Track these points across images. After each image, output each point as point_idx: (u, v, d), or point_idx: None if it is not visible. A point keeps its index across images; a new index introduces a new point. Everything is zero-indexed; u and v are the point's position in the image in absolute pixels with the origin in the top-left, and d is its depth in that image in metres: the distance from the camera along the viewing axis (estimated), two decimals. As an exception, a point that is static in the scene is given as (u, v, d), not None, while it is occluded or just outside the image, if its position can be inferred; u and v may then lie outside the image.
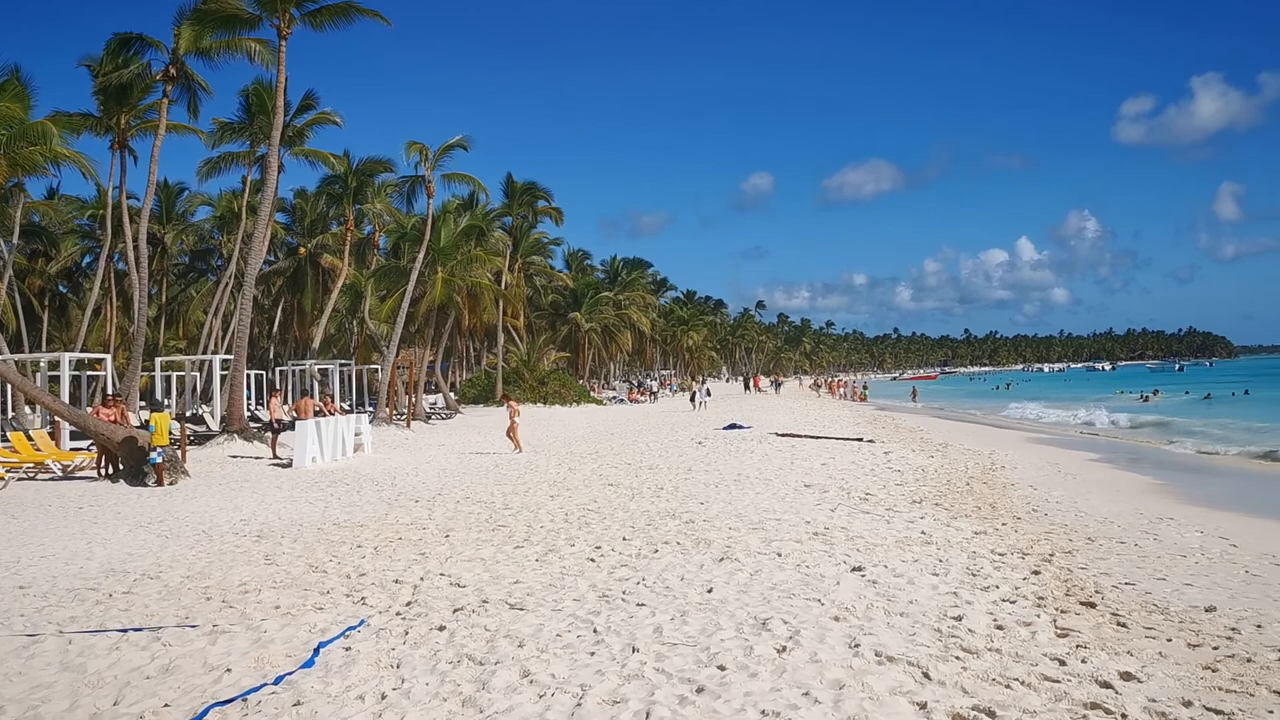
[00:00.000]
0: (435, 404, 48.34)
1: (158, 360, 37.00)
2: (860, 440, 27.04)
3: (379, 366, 41.65)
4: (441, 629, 7.43)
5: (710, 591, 8.37)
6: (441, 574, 9.56)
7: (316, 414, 23.41)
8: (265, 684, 6.20)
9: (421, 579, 9.35)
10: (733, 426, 31.83)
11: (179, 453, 19.54)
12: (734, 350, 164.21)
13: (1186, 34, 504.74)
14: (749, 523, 12.16)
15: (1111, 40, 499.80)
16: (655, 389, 77.71)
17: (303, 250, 48.87)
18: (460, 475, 19.08)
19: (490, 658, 6.60)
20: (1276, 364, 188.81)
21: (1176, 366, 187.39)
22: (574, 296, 71.33)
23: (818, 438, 27.75)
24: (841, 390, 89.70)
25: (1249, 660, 6.65)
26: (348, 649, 6.95)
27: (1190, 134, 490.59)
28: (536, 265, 63.75)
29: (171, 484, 17.66)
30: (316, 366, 41.47)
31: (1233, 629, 7.55)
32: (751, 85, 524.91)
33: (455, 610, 8.03)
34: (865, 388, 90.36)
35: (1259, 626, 7.66)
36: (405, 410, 38.46)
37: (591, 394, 61.11)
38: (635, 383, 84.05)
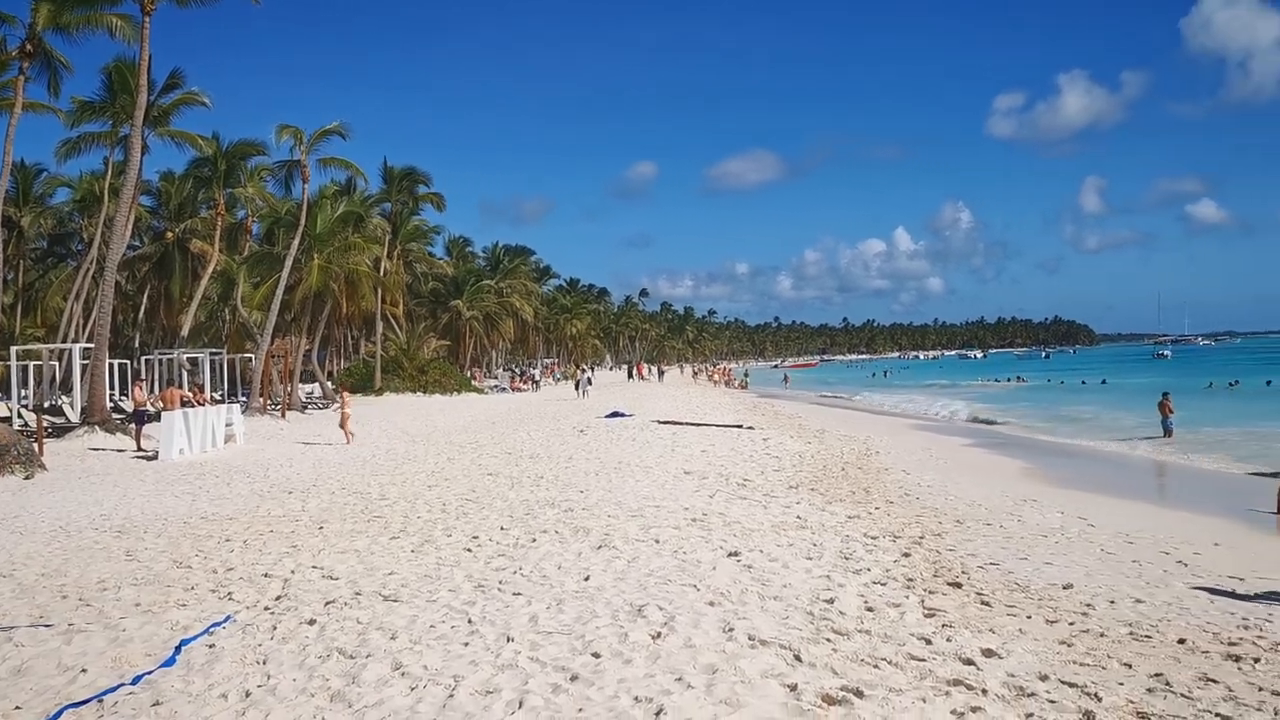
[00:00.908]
0: (312, 394, 47.20)
1: (13, 349, 35.23)
2: (740, 427, 27.37)
3: (252, 355, 40.46)
4: (311, 623, 7.24)
5: (587, 579, 8.35)
6: (314, 567, 9.33)
7: (184, 404, 22.62)
8: (123, 684, 5.95)
9: (292, 572, 9.10)
10: (615, 415, 31.89)
11: (34, 446, 18.64)
12: (618, 338, 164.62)
13: (1054, 32, 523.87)
14: (628, 510, 12.18)
15: (985, 36, 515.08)
16: (538, 377, 77.37)
17: (170, 235, 47.08)
18: (336, 466, 18.67)
19: (362, 651, 6.45)
20: (1132, 351, 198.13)
21: (1043, 354, 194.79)
22: (455, 284, 70.47)
23: (699, 425, 27.99)
24: (722, 378, 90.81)
25: (1102, 635, 6.94)
26: (211, 646, 6.71)
27: (1058, 129, 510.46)
28: (416, 252, 62.65)
29: (27, 478, 16.84)
30: (185, 355, 40.04)
31: (1088, 605, 7.87)
32: (635, 73, 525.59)
33: (327, 603, 7.84)
34: (746, 375, 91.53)
35: (1112, 602, 8.00)
36: (280, 400, 37.48)
37: (473, 383, 60.49)
38: (518, 371, 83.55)
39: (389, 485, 15.47)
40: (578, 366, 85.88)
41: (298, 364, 42.13)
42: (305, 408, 39.57)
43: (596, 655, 6.15)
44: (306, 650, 6.54)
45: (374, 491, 14.74)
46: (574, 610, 7.31)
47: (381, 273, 50.56)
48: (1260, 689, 5.80)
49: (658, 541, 10.02)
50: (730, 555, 9.29)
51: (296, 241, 38.91)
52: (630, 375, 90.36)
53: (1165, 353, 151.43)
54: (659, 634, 6.56)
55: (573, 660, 6.09)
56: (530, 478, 16.01)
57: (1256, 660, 6.41)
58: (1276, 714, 5.38)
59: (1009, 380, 73.36)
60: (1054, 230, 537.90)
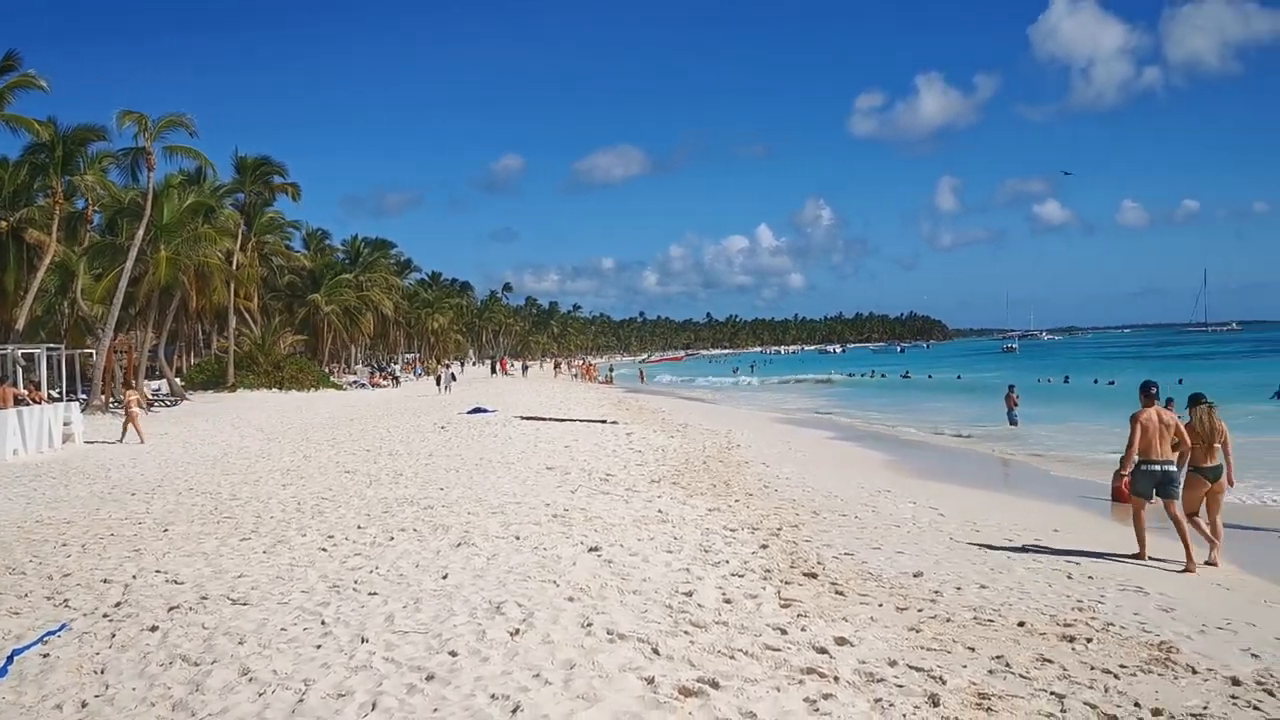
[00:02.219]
0: (159, 391, 45.34)
1: None
2: (604, 422, 27.45)
3: (93, 351, 38.59)
4: (154, 629, 6.94)
5: (446, 578, 8.23)
6: (157, 571, 8.94)
7: (19, 403, 21.44)
8: (-56, 700, 5.59)
9: (134, 577, 8.70)
10: (477, 410, 31.58)
11: None
12: (481, 333, 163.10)
13: (912, 34, 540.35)
14: (489, 507, 12.06)
15: (846, 36, 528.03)
16: (399, 373, 76.11)
17: (4, 224, 44.55)
18: (184, 465, 17.97)
19: (207, 657, 6.21)
20: (982, 346, 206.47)
21: (898, 349, 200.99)
22: (313, 278, 68.61)
23: (562, 421, 27.96)
24: (584, 372, 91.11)
25: (948, 620, 7.18)
26: (46, 655, 6.37)
27: (915, 129, 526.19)
28: (273, 245, 60.74)
29: None
30: (20, 351, 37.88)
31: (936, 592, 8.14)
32: (501, 65, 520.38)
33: (170, 609, 7.52)
34: (611, 370, 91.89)
35: (958, 589, 8.30)
36: (123, 397, 35.85)
37: (332, 378, 59.08)
38: (378, 366, 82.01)
39: (240, 485, 14.96)
40: (440, 362, 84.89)
41: (143, 360, 40.40)
42: (152, 405, 37.98)
43: (454, 654, 6.06)
44: (148, 658, 6.26)
45: (224, 491, 14.23)
46: (431, 609, 7.20)
47: (234, 266, 48.85)
48: (1092, 668, 6.09)
49: (518, 538, 9.95)
50: (591, 550, 9.29)
51: (141, 232, 37.23)
52: (494, 370, 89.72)
53: (1013, 346, 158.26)
54: (518, 631, 6.51)
55: (429, 660, 5.99)
56: (389, 475, 15.71)
57: (1089, 640, 6.73)
58: (1106, 690, 5.66)
59: (866, 374, 75.48)
60: (911, 228, 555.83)
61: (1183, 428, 10.63)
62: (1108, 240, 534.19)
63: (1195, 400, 11.16)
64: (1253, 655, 6.61)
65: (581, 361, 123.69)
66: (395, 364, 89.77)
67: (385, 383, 65.56)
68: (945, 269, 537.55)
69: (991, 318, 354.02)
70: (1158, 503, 10.51)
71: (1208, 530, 10.41)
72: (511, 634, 6.45)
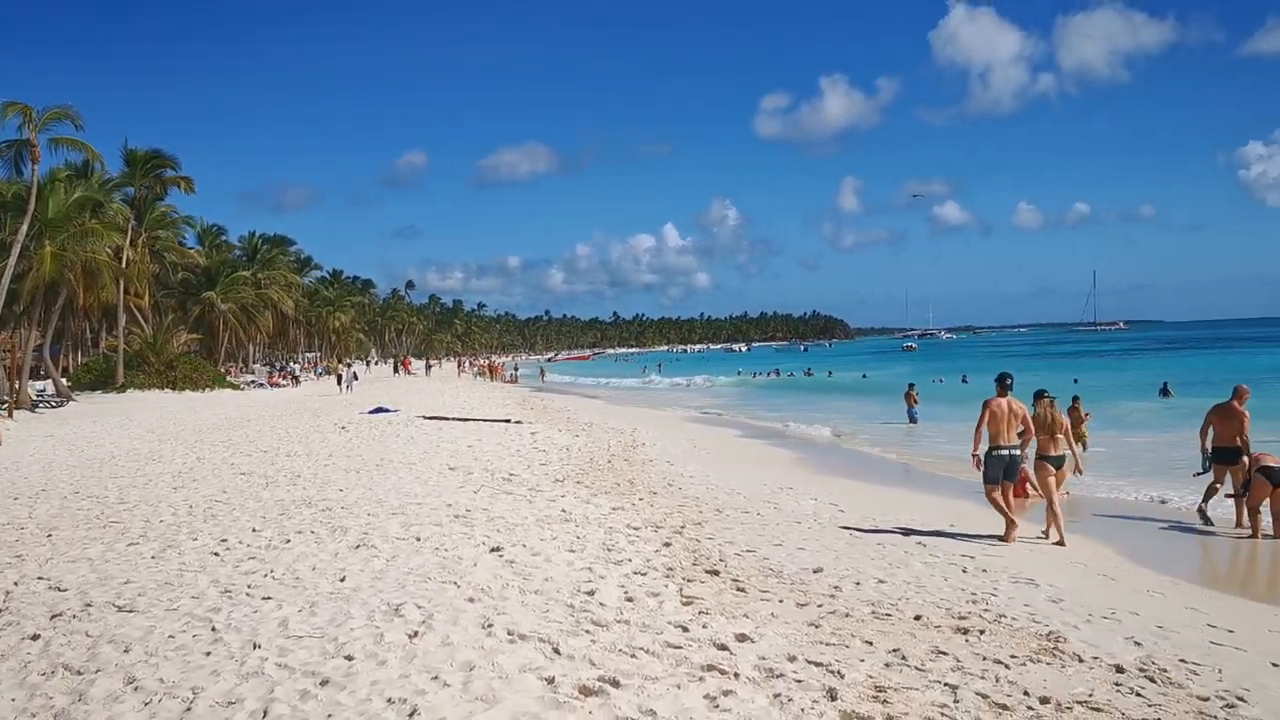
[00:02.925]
0: (44, 391, 43.69)
1: None
2: (509, 422, 27.28)
3: (-25, 350, 37.03)
4: (35, 638, 6.65)
5: (343, 580, 8.06)
6: (39, 578, 8.57)
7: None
8: None
9: (15, 584, 8.34)
10: (379, 410, 31.11)
11: None
12: (384, 331, 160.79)
13: (816, 36, 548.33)
14: (389, 508, 11.87)
15: (752, 37, 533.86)
16: (298, 372, 74.61)
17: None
18: (69, 468, 17.32)
19: (91, 666, 5.98)
20: (883, 344, 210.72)
21: (801, 347, 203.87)
22: (208, 275, 66.81)
23: (466, 420, 27.70)
24: (478, 370, 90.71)
25: (847, 615, 7.29)
26: (-85, 670, 6.06)
27: (820, 130, 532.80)
28: (165, 241, 58.87)
29: None
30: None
31: (835, 587, 8.26)
32: (404, 60, 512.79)
33: (53, 617, 7.22)
34: (516, 369, 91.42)
35: (857, 584, 8.43)
36: (5, 399, 34.47)
37: (228, 378, 57.62)
38: (277, 366, 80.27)
39: (129, 488, 14.47)
40: (341, 361, 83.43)
41: (27, 359, 38.87)
42: (36, 406, 36.58)
43: (350, 658, 5.94)
44: (28, 668, 6.01)
45: (111, 495, 13.75)
46: (328, 612, 7.04)
47: (124, 262, 47.32)
48: (984, 658, 6.23)
49: (419, 539, 9.80)
50: (493, 551, 9.20)
51: (25, 228, 35.84)
52: (396, 370, 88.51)
53: (912, 345, 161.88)
54: (416, 633, 6.41)
55: (324, 664, 5.86)
56: (287, 476, 15.36)
57: (982, 632, 6.89)
58: (998, 680, 5.80)
59: (770, 374, 76.30)
60: (814, 228, 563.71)
61: (1029, 417, 11.61)
62: (1004, 241, 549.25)
63: (1039, 395, 12.36)
64: (1135, 643, 6.84)
65: (487, 360, 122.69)
66: (295, 363, 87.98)
67: (284, 382, 64.22)
68: (847, 269, 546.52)
69: (892, 317, 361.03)
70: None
71: (1059, 513, 11.43)
72: (410, 636, 6.34)
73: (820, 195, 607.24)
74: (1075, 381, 50.28)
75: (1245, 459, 12.71)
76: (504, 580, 7.97)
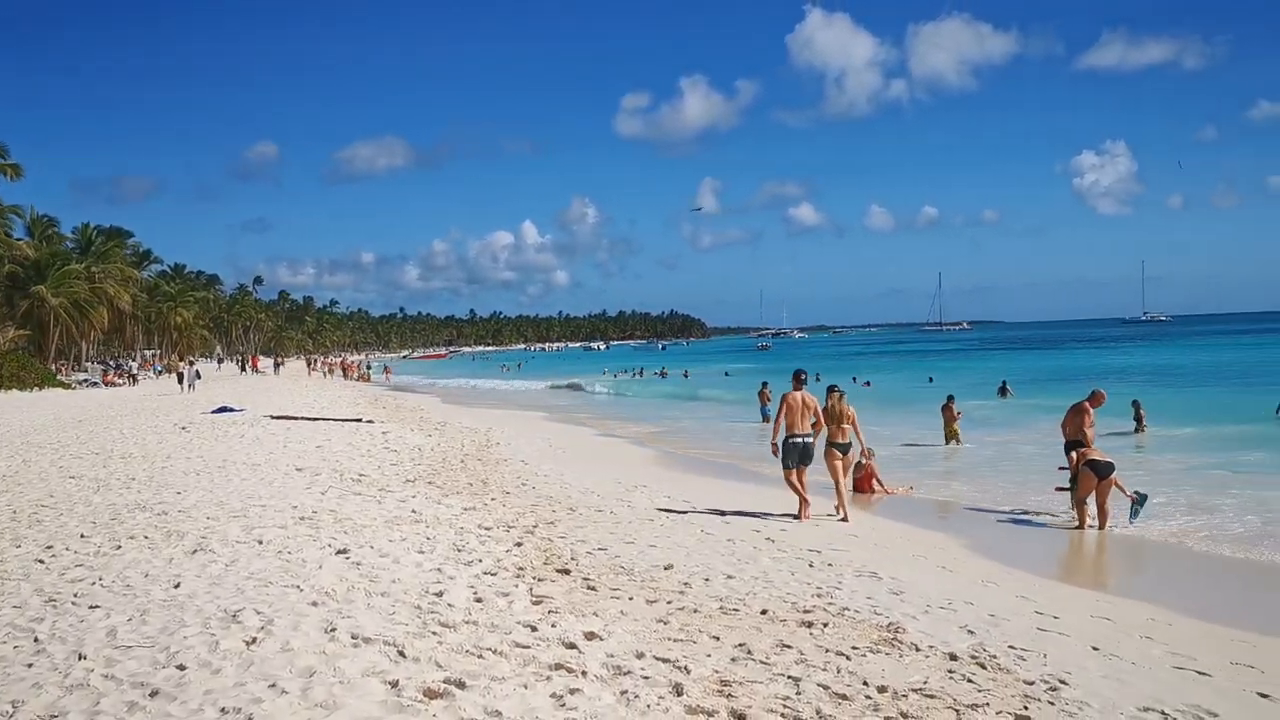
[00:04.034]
0: None
1: None
2: (359, 421, 26.71)
3: None
4: None
5: (178, 587, 7.72)
6: None
7: None
8: None
9: None
10: (223, 410, 30.02)
11: None
12: (230, 329, 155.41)
13: (677, 37, 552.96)
14: (230, 511, 11.44)
15: (614, 36, 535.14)
16: (136, 371, 71.46)
17: None
18: (-122, 472, 16.14)
19: (-105, 685, 5.58)
20: (738, 343, 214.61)
21: (660, 346, 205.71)
22: (38, 268, 63.37)
23: (315, 420, 26.99)
24: (327, 368, 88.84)
25: (696, 611, 7.37)
26: None
27: (680, 131, 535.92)
28: (-11, 231, 55.73)
29: None
30: None
31: (685, 584, 8.34)
32: (253, 47, 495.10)
33: None
34: (369, 367, 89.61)
35: (707, 580, 8.53)
36: None
37: (59, 377, 54.75)
38: (113, 364, 76.68)
39: (-55, 493, 13.58)
40: (182, 359, 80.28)
41: None
42: None
43: (182, 667, 5.69)
44: None
45: (-75, 500, 12.88)
46: (160, 620, 6.73)
47: (-56, 252, 44.50)
48: (827, 650, 6.39)
49: (261, 542, 9.48)
50: (339, 553, 8.97)
51: None
52: (243, 368, 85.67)
53: (767, 345, 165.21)
54: (254, 639, 6.19)
55: (154, 675, 5.60)
56: (120, 480, 14.66)
57: (825, 625, 7.06)
58: (839, 671, 5.95)
59: (634, 372, 76.42)
60: (674, 228, 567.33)
61: (819, 409, 12.97)
62: (856, 243, 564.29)
63: (830, 390, 13.59)
64: (969, 632, 7.12)
65: (340, 358, 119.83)
66: (133, 361, 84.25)
67: (121, 381, 61.40)
68: (705, 269, 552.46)
69: (747, 316, 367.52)
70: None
71: (844, 494, 12.99)
72: (248, 643, 6.12)
73: (680, 195, 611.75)
74: (930, 381, 52.21)
75: (1074, 454, 13.40)
76: (350, 583, 7.78)
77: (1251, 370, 51.62)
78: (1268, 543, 11.68)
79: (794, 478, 12.73)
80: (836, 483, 13.00)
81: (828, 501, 13.14)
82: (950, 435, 22.49)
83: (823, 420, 13.01)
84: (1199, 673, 6.59)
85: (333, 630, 6.36)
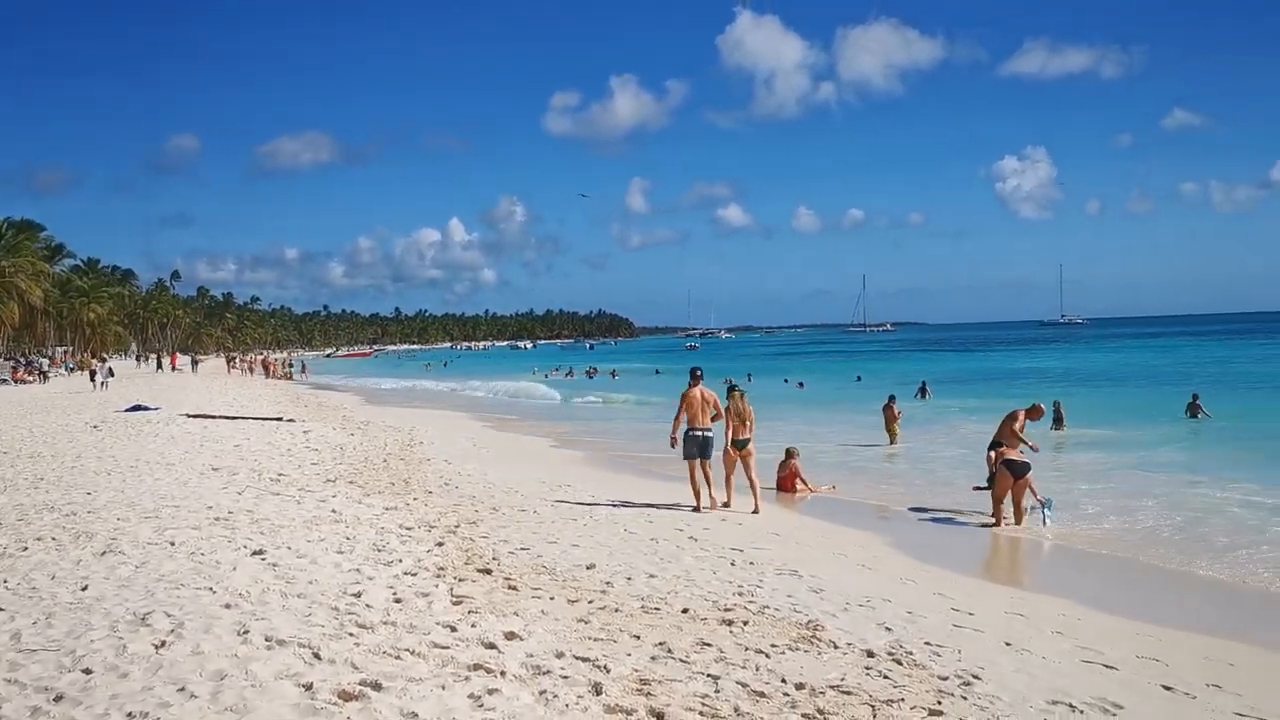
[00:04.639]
0: None
1: None
2: (280, 420, 26.26)
3: None
4: None
5: (85, 589, 7.49)
6: None
7: None
8: None
9: None
10: (138, 408, 29.31)
11: None
12: (146, 325, 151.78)
13: (607, 36, 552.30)
14: (142, 512, 11.15)
15: (545, 34, 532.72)
16: (47, 368, 69.41)
17: None
18: None
19: None
20: (666, 343, 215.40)
21: (587, 345, 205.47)
22: (-57, 261, 61.35)
23: (234, 418, 26.47)
24: (246, 366, 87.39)
25: (617, 610, 7.36)
26: None
27: (610, 130, 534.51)
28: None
29: None
30: None
31: (607, 583, 8.34)
32: (174, 37, 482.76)
33: None
34: (291, 366, 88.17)
35: (629, 579, 8.54)
36: None
37: (-34, 373, 52.99)
38: (23, 361, 74.40)
39: None
40: (95, 356, 78.23)
41: None
42: None
43: (88, 671, 5.52)
44: None
45: None
46: (66, 624, 6.53)
47: None
48: (746, 648, 6.43)
49: (173, 544, 9.24)
50: (255, 554, 8.78)
51: None
52: (159, 366, 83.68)
53: (695, 345, 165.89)
54: (164, 643, 6.03)
55: (59, 679, 5.42)
56: (27, 480, 14.21)
57: (745, 623, 7.11)
58: (758, 669, 5.99)
59: (565, 371, 76.18)
60: (602, 227, 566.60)
61: (720, 405, 13.64)
62: (783, 244, 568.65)
63: (731, 389, 14.32)
64: (887, 629, 7.22)
65: (261, 356, 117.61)
66: (45, 358, 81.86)
67: (31, 378, 59.56)
68: (633, 268, 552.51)
69: (675, 316, 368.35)
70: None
71: (732, 486, 13.68)
72: (157, 646, 5.96)
73: (609, 194, 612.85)
74: (858, 380, 52.93)
75: (991, 453, 13.69)
76: (265, 584, 7.62)
77: (1162, 372, 53.26)
78: (1176, 540, 12.04)
79: (695, 470, 13.31)
80: (727, 475, 13.71)
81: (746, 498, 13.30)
82: (891, 434, 22.88)
83: (722, 414, 13.65)
84: (1106, 666, 6.77)
85: (246, 632, 6.23)
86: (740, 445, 13.75)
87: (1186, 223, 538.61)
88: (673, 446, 13.59)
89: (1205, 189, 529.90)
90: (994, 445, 14.01)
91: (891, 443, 22.60)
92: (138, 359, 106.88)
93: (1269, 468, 17.25)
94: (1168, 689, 6.37)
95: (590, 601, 7.61)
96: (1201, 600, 9.64)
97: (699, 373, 13.88)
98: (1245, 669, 7.12)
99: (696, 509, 13.22)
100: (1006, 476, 13.06)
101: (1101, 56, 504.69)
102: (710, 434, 13.41)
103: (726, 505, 13.55)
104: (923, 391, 37.29)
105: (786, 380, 53.72)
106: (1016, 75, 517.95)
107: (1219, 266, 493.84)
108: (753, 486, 13.51)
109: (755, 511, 13.21)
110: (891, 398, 23.93)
